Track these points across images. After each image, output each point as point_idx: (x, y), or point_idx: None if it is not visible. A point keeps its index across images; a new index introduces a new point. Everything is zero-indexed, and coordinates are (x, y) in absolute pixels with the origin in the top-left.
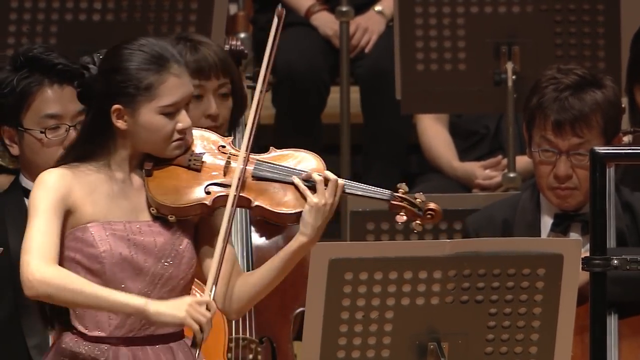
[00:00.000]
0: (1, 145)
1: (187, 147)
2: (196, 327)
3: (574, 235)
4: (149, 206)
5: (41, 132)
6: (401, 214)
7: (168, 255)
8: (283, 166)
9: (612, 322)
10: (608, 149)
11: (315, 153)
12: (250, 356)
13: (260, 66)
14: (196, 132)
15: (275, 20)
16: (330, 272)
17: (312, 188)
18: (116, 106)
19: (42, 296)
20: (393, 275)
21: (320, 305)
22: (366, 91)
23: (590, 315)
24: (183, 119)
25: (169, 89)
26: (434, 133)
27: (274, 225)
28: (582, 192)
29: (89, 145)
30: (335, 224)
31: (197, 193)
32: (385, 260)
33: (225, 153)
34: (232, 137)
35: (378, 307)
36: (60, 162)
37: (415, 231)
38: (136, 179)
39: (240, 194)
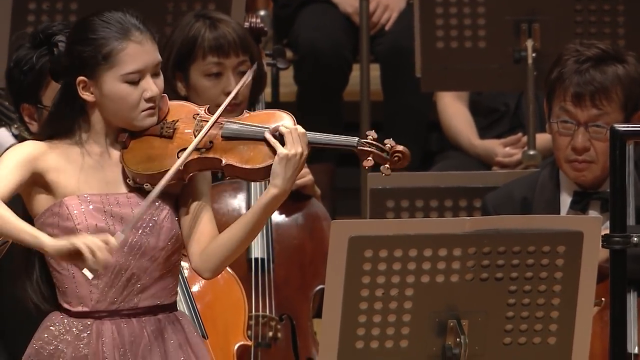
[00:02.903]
0: (21, 122)
1: (160, 118)
2: (84, 247)
3: (593, 213)
4: (126, 178)
5: None
6: (368, 158)
7: (146, 226)
8: (251, 124)
9: (632, 299)
10: (627, 127)
11: (336, 131)
12: (270, 333)
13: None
14: (173, 103)
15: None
16: (350, 250)
17: (281, 140)
18: (80, 78)
19: None
20: (413, 252)
21: (340, 283)
22: (386, 69)
23: (610, 293)
24: (149, 87)
25: (130, 56)
26: (454, 111)
27: (293, 203)
28: (599, 166)
29: (61, 121)
30: (355, 202)
31: (170, 159)
32: (405, 238)
33: (197, 120)
34: (209, 105)
35: (398, 285)
36: (36, 134)
37: (384, 175)
38: (114, 153)
39: (211, 155)
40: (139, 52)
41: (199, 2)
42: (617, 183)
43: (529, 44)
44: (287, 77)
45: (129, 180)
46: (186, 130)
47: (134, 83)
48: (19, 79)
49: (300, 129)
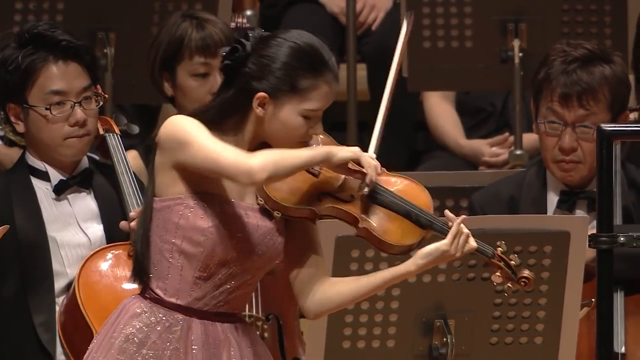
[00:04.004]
0: (7, 122)
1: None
2: (372, 163)
3: (580, 213)
4: (257, 195)
5: (46, 109)
6: (497, 274)
7: (265, 244)
8: (400, 198)
9: (619, 299)
10: (614, 127)
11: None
12: (257, 333)
13: None
14: (322, 136)
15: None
16: (337, 249)
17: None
18: (263, 94)
19: (268, 177)
20: None
21: None
22: (373, 69)
23: (597, 293)
24: (317, 125)
25: (320, 96)
26: (441, 110)
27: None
28: (587, 166)
29: (222, 117)
30: None
31: (310, 198)
32: None
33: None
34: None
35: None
36: (194, 114)
37: (504, 294)
38: None
39: (348, 210)
40: (327, 93)
41: (185, 2)
42: (604, 183)
43: (516, 43)
44: None
45: (259, 200)
46: (333, 174)
47: (309, 118)
48: (5, 79)
49: (465, 230)
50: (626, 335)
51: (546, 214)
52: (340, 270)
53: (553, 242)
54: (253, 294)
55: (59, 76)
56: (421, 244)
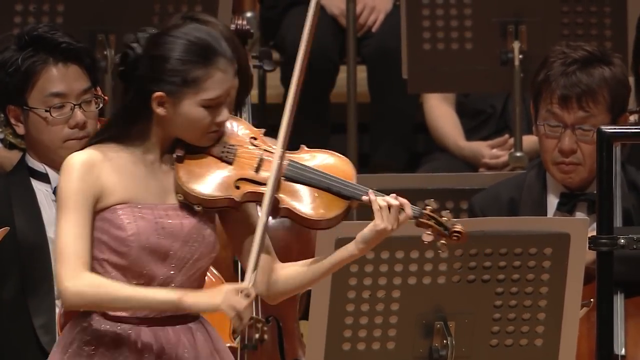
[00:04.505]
0: (7, 124)
1: (220, 137)
2: (232, 313)
3: (580, 215)
4: (176, 192)
5: (46, 111)
6: (428, 232)
7: (195, 240)
8: (318, 171)
9: (619, 301)
10: (614, 129)
11: (323, 132)
12: (257, 335)
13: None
14: (229, 122)
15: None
16: None
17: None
18: (159, 93)
19: (80, 307)
20: (400, 254)
21: (327, 285)
22: (373, 70)
23: (597, 295)
24: (223, 112)
25: (214, 84)
26: (441, 112)
27: None
28: (586, 168)
29: (126, 126)
30: None
31: (227, 187)
32: (392, 240)
33: (257, 146)
34: (265, 130)
35: (385, 287)
36: (93, 140)
37: (440, 252)
38: (166, 163)
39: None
40: (222, 79)
41: (185, 4)
42: (604, 185)
43: (516, 45)
44: (273, 79)
45: (179, 196)
46: (247, 159)
47: (211, 108)
48: (5, 81)
49: (402, 201)
50: (626, 337)
51: (546, 216)
52: (340, 272)
53: (553, 244)
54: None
55: (59, 78)
56: (349, 214)
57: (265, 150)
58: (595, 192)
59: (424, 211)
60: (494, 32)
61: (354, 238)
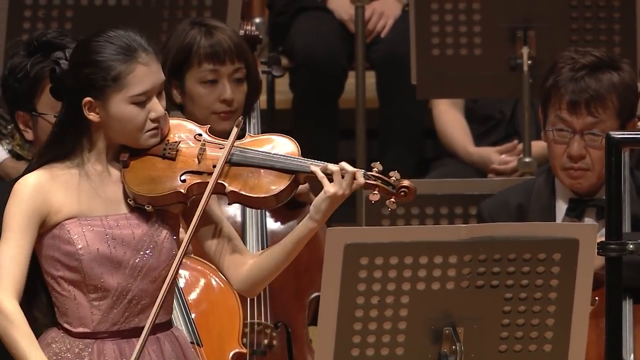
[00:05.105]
0: (16, 130)
1: (162, 137)
2: None
3: (589, 220)
4: (127, 197)
5: (55, 117)
6: (374, 192)
7: (147, 247)
8: (259, 151)
9: (627, 306)
10: (623, 134)
11: (332, 138)
12: (265, 341)
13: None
14: (173, 122)
15: (234, 130)
16: (346, 257)
17: (329, 178)
18: (87, 99)
19: None
20: (408, 260)
21: (336, 290)
22: (382, 76)
23: (606, 300)
24: (155, 108)
25: (138, 78)
26: (450, 118)
27: (288, 210)
28: (595, 173)
29: (64, 143)
30: (351, 209)
31: (172, 181)
32: (401, 245)
33: (199, 141)
34: (209, 125)
35: (393, 292)
36: (36, 164)
37: (389, 209)
38: (114, 171)
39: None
40: (146, 73)
41: (194, 10)
42: (612, 190)
43: (525, 51)
44: (282, 85)
45: (130, 200)
46: (189, 153)
47: (141, 104)
48: (14, 86)
49: (349, 168)
50: (635, 342)
51: (555, 221)
52: (349, 277)
53: (562, 250)
54: (262, 302)
55: None
56: (296, 188)
57: (207, 142)
58: (604, 197)
59: (370, 173)
60: (503, 38)
61: (365, 244)
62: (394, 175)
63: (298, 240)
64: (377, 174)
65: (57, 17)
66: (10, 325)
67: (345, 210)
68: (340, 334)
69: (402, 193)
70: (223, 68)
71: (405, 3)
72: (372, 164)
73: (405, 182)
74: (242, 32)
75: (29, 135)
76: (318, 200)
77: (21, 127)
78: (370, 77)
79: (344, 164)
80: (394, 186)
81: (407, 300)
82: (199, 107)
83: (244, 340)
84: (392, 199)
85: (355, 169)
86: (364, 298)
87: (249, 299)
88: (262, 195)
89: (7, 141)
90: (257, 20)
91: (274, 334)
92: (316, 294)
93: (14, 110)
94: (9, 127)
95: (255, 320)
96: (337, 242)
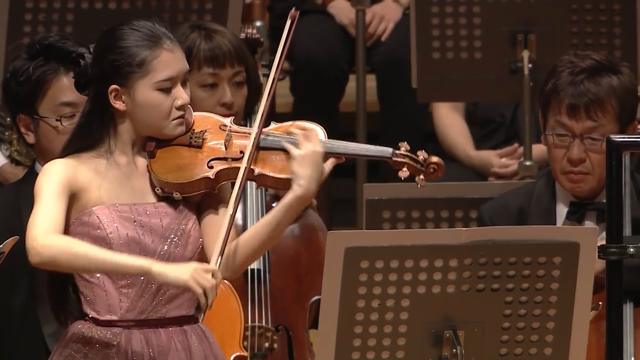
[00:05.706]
0: (17, 133)
1: (188, 126)
2: (199, 291)
3: (589, 224)
4: (154, 187)
5: (57, 120)
6: (404, 169)
7: (175, 235)
8: (278, 134)
9: (628, 310)
10: (624, 138)
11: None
12: (266, 344)
13: (275, 55)
14: (197, 114)
15: (289, 22)
16: (346, 261)
17: (297, 143)
18: (113, 86)
19: (47, 261)
20: (409, 263)
21: (336, 294)
22: (382, 79)
23: (606, 304)
24: (181, 95)
25: (163, 64)
26: (450, 121)
27: None
28: (595, 177)
29: (91, 133)
30: (351, 212)
31: (200, 168)
32: (401, 249)
33: (224, 131)
34: (234, 117)
35: (394, 295)
36: (63, 153)
37: (419, 186)
38: (140, 163)
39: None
40: (171, 59)
41: (194, 13)
42: (613, 194)
43: (525, 54)
44: (283, 88)
45: (157, 190)
46: (215, 141)
47: (166, 91)
48: (16, 90)
49: (315, 128)
50: (635, 346)
51: (555, 225)
52: (350, 281)
53: (562, 253)
54: (263, 305)
55: (70, 88)
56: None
57: (232, 131)
58: (604, 201)
59: (398, 151)
60: (504, 41)
61: (365, 247)
62: (422, 154)
63: (284, 209)
64: (405, 152)
65: (57, 21)
66: (71, 244)
67: (346, 214)
68: (340, 337)
69: (431, 170)
70: (223, 72)
71: (405, 7)
72: (399, 143)
73: (435, 159)
74: (242, 36)
75: (30, 138)
76: (292, 166)
77: (22, 130)
78: (371, 81)
79: (306, 124)
80: (422, 164)
81: (407, 304)
82: (199, 110)
83: (245, 343)
84: (422, 176)
85: (313, 127)
86: (364, 301)
87: (249, 302)
88: (290, 177)
89: (6, 147)
90: (258, 23)
91: (275, 337)
92: (317, 297)
93: (15, 113)
94: (7, 133)
95: (256, 323)
96: (338, 245)
